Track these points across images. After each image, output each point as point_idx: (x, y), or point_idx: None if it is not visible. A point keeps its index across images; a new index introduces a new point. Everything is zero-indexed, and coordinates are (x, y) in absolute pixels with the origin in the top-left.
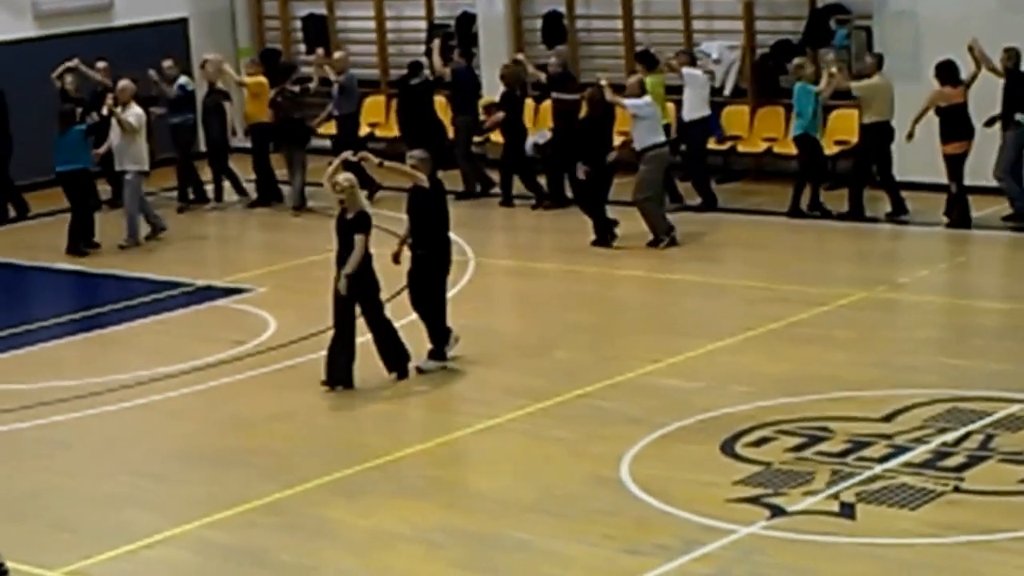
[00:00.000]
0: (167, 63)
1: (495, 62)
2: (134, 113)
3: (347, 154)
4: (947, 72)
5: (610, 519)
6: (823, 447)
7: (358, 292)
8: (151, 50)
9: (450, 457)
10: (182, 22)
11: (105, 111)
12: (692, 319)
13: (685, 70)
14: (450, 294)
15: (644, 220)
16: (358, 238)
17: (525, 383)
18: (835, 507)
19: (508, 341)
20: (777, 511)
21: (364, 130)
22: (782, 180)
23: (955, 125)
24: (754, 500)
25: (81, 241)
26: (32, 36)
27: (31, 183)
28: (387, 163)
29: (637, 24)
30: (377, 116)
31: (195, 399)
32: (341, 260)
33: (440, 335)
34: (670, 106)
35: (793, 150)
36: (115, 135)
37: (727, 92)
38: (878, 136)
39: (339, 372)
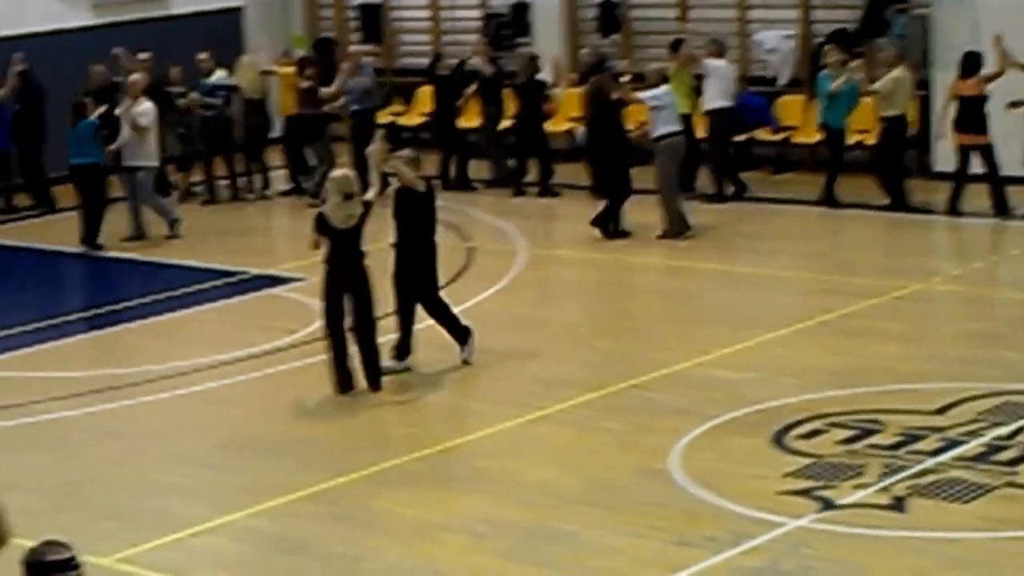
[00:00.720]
0: (202, 56)
1: (550, 52)
2: (144, 110)
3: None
4: (964, 64)
5: (659, 511)
6: (874, 440)
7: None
8: (206, 39)
9: (497, 448)
10: (237, 11)
11: (119, 111)
12: (743, 310)
13: (708, 61)
14: (500, 284)
15: (662, 211)
16: None
17: (574, 374)
18: (886, 501)
19: (556, 331)
20: (827, 504)
21: (416, 120)
22: (844, 171)
23: (965, 117)
24: (804, 493)
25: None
26: (88, 25)
27: None
28: (394, 158)
29: (692, 14)
30: (429, 106)
31: (246, 388)
32: None
33: (457, 327)
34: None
35: (849, 140)
36: (125, 130)
37: (782, 82)
38: (899, 129)
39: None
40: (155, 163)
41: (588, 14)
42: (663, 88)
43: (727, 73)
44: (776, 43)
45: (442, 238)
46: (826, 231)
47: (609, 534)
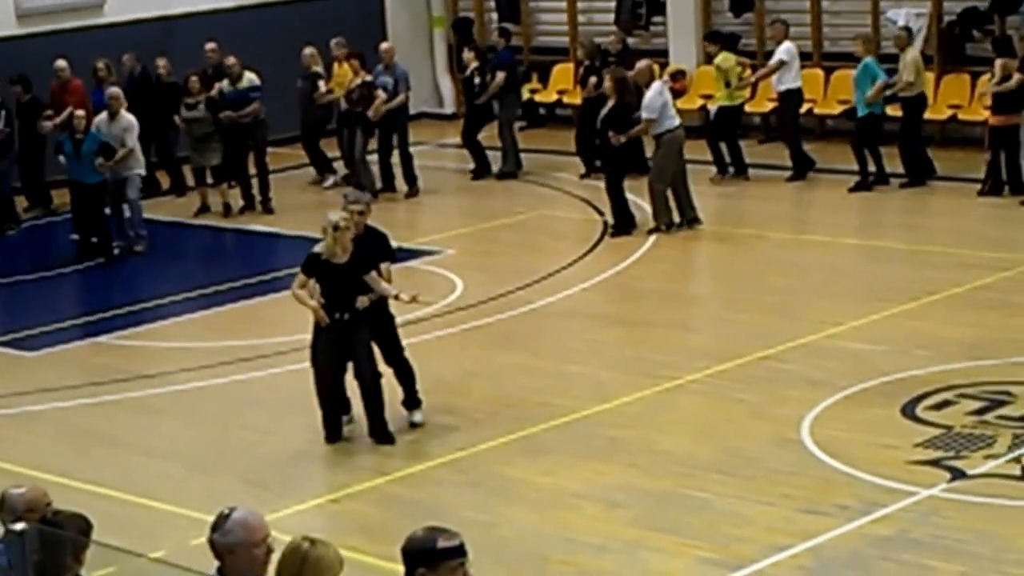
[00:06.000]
0: (230, 60)
1: (684, 31)
2: (123, 124)
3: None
4: None
5: (790, 480)
6: (1005, 411)
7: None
8: (349, 22)
9: (632, 417)
10: None
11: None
12: (874, 283)
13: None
14: (634, 257)
15: (650, 202)
16: None
17: (706, 345)
18: (1016, 471)
19: (691, 303)
20: (958, 474)
21: (552, 97)
22: (968, 147)
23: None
24: (935, 463)
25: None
26: (227, 7)
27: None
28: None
29: None
30: (566, 83)
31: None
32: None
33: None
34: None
35: (979, 116)
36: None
37: None
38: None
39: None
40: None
41: None
42: (655, 87)
43: (795, 54)
44: (907, 20)
45: (578, 212)
46: (958, 206)
47: (742, 502)
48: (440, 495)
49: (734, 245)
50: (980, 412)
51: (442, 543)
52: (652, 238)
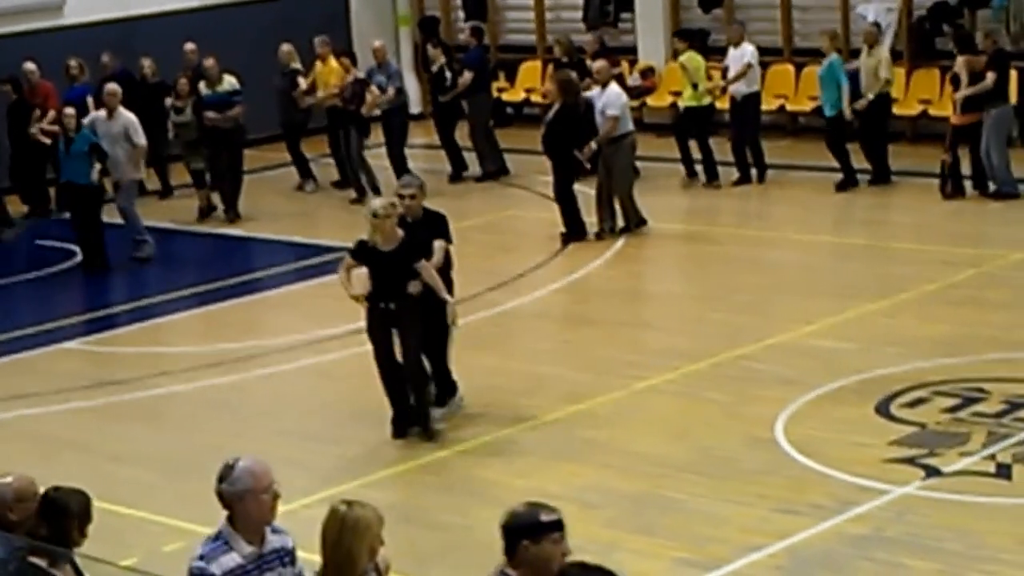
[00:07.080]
0: (209, 62)
1: (652, 27)
2: (123, 122)
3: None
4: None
5: (765, 479)
6: (979, 408)
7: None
8: (313, 20)
9: (605, 418)
10: None
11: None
12: (846, 281)
13: (733, 50)
14: (605, 256)
15: (620, 208)
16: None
17: (679, 344)
18: (991, 468)
19: (663, 303)
20: (932, 472)
21: (519, 95)
22: (938, 142)
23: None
24: (909, 461)
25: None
26: (193, 7)
27: None
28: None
29: None
30: (533, 82)
31: (354, 361)
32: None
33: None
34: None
35: (949, 111)
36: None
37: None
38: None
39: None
40: (140, 175)
41: None
42: (613, 91)
43: (754, 58)
44: (877, 15)
45: (547, 212)
46: (929, 202)
47: (716, 502)
48: (415, 498)
49: (705, 244)
50: (954, 409)
51: (544, 517)
52: (622, 239)
